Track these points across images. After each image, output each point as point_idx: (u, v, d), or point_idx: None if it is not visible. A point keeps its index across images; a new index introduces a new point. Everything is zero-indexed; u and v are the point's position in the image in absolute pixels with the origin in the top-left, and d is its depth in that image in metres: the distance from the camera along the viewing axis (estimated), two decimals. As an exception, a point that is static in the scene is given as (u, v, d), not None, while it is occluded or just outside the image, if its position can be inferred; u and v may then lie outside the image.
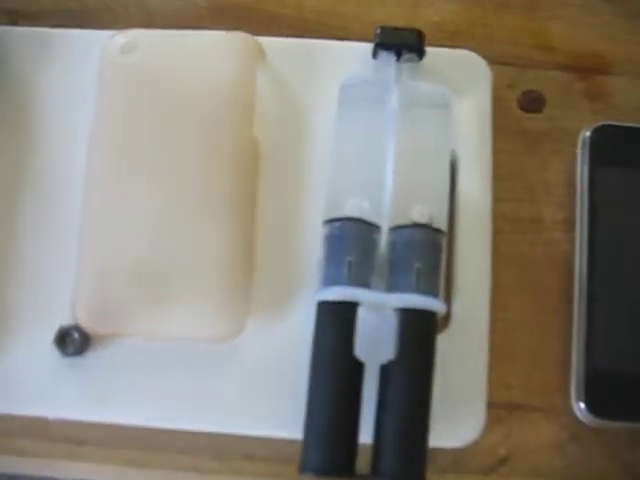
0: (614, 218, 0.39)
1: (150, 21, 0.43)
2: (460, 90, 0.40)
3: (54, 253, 0.39)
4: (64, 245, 0.38)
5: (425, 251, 0.34)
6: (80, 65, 0.41)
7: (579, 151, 0.40)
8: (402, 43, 0.38)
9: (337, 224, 0.35)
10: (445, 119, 0.38)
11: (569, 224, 0.40)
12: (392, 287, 0.34)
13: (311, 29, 0.43)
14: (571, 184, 0.40)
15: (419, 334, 0.34)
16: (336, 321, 0.34)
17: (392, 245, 0.35)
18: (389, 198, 0.36)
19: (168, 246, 0.36)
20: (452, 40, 0.42)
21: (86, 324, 0.37)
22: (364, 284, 0.34)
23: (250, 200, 0.37)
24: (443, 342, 0.35)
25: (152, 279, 0.35)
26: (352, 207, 0.35)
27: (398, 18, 0.43)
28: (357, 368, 0.33)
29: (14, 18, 0.44)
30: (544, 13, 0.44)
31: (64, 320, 0.37)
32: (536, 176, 0.41)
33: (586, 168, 0.40)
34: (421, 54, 0.39)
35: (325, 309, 0.34)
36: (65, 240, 0.38)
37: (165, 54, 0.39)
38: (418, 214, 0.35)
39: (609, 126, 0.40)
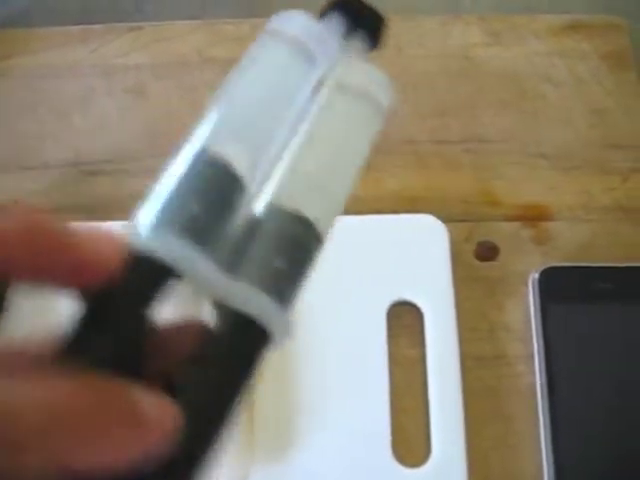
0: (567, 348, 0.45)
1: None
2: (422, 250, 0.46)
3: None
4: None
5: (296, 252, 0.24)
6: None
7: (530, 291, 0.46)
8: (362, 16, 0.29)
9: (202, 160, 0.25)
10: (373, 114, 0.29)
11: (530, 357, 0.45)
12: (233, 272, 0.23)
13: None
14: (528, 321, 0.46)
15: (242, 347, 0.23)
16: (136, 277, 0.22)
17: (256, 223, 0.24)
18: (275, 168, 0.26)
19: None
20: (411, 205, 0.49)
21: None
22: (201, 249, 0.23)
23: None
24: (425, 473, 0.40)
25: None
26: (229, 152, 0.25)
27: (360, 189, 0.50)
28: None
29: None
30: (489, 173, 0.51)
31: None
32: (496, 317, 0.47)
33: (538, 306, 0.46)
34: (376, 39, 0.30)
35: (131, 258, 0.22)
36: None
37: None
38: (307, 208, 0.25)
39: (554, 267, 0.46)
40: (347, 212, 0.48)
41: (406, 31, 0.56)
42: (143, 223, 0.23)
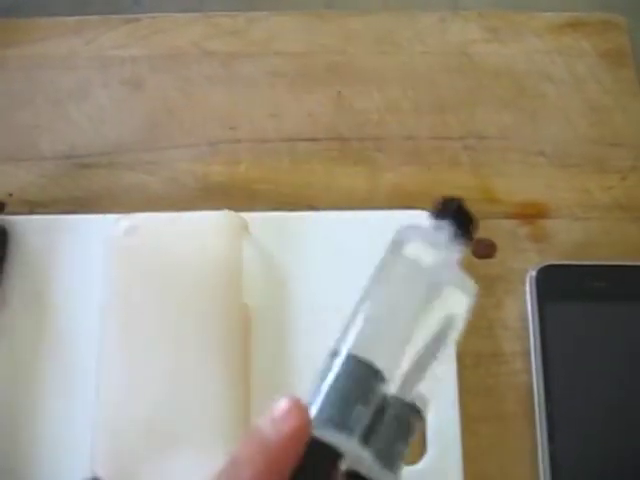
0: (564, 346, 0.44)
1: (148, 204, 0.49)
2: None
3: (72, 413, 0.43)
4: (81, 406, 0.43)
5: (411, 436, 0.31)
6: (89, 246, 0.47)
7: (527, 289, 0.46)
8: (462, 223, 0.35)
9: (358, 362, 0.30)
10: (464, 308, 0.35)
11: (527, 355, 0.45)
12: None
13: (287, 202, 0.50)
14: (525, 318, 0.46)
15: None
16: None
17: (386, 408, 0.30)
18: (404, 366, 0.31)
19: (173, 405, 0.41)
20: (409, 201, 0.49)
21: (104, 477, 0.41)
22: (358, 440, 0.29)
23: (244, 360, 0.42)
24: (420, 472, 0.40)
25: (161, 436, 0.40)
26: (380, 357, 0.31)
27: (358, 184, 0.50)
28: None
29: (31, 207, 0.50)
30: (488, 170, 0.50)
31: (83, 475, 0.42)
32: (493, 314, 0.46)
33: (535, 304, 0.45)
34: (470, 241, 0.35)
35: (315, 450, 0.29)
36: (82, 401, 0.43)
37: (162, 234, 0.45)
38: (421, 401, 0.31)
39: (552, 265, 0.46)
40: (345, 207, 0.48)
41: (405, 27, 0.56)
42: (318, 417, 0.29)
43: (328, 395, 0.30)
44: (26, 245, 0.48)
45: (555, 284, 0.46)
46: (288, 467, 0.27)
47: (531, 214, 0.49)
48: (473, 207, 0.50)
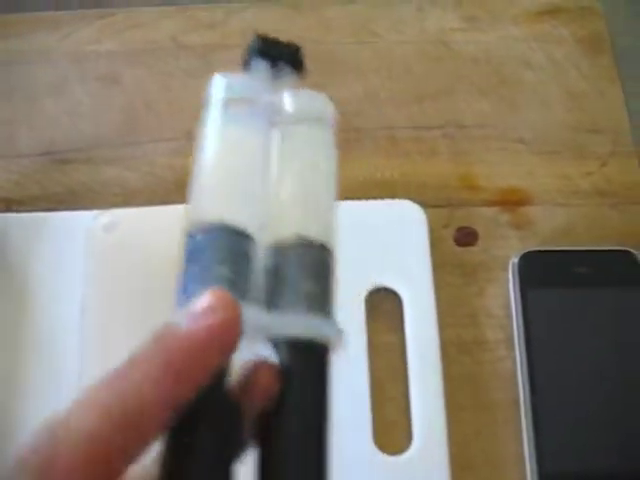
0: (547, 333, 0.45)
1: (128, 199, 0.49)
2: (400, 235, 0.46)
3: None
4: (63, 404, 0.43)
5: (318, 270, 0.27)
6: (68, 242, 0.47)
7: (510, 276, 0.46)
8: (280, 54, 0.32)
9: (203, 232, 0.27)
10: (326, 133, 0.30)
11: (510, 342, 0.45)
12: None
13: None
14: (508, 306, 0.46)
15: (311, 372, 0.26)
16: None
17: (274, 265, 0.27)
18: (267, 210, 0.28)
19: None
20: (390, 191, 0.49)
21: None
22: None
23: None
24: (406, 461, 0.40)
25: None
26: (223, 212, 0.27)
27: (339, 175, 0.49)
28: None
29: (8, 205, 0.50)
30: (468, 158, 0.50)
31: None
32: (476, 302, 0.46)
33: (517, 291, 0.45)
34: (299, 68, 0.32)
35: None
36: (63, 399, 0.43)
37: (142, 229, 0.45)
38: (309, 230, 0.27)
39: (533, 252, 0.46)
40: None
41: (383, 17, 0.55)
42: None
43: (191, 272, 0.27)
44: (4, 244, 0.48)
45: (537, 271, 0.46)
46: (200, 376, 0.23)
47: (512, 201, 0.49)
48: (453, 195, 0.50)
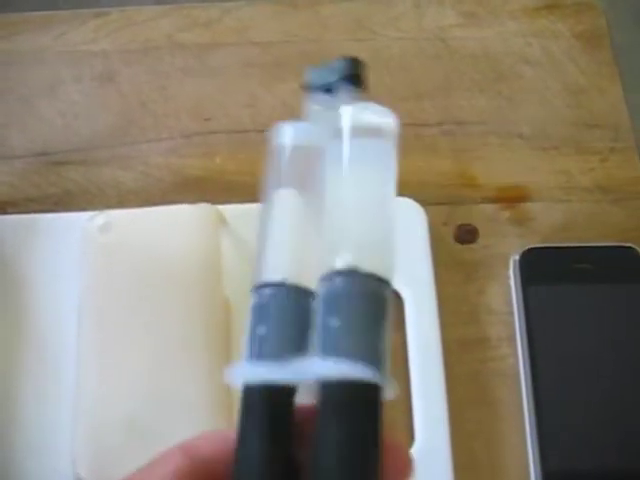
0: (549, 329, 0.44)
1: (123, 200, 0.48)
2: (400, 233, 0.45)
3: (51, 414, 0.43)
4: (60, 406, 0.42)
5: (348, 302, 0.24)
6: (64, 244, 0.46)
7: (511, 273, 0.46)
8: (335, 79, 0.29)
9: (258, 293, 0.26)
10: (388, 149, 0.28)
11: (512, 339, 0.45)
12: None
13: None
14: (509, 303, 0.45)
15: (359, 412, 0.23)
16: (254, 413, 0.24)
17: (324, 299, 0.25)
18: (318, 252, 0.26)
19: (155, 401, 0.40)
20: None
21: (88, 478, 0.40)
22: (279, 359, 0.24)
23: (225, 353, 0.41)
24: (408, 461, 0.40)
25: (143, 433, 0.39)
26: (275, 269, 0.26)
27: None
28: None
29: (3, 207, 0.49)
30: (467, 155, 0.50)
31: (66, 477, 0.41)
32: (477, 300, 0.46)
33: (519, 288, 0.45)
34: (359, 83, 0.30)
35: (246, 398, 0.25)
36: (62, 402, 0.42)
37: (138, 230, 0.44)
38: (342, 260, 0.24)
39: (534, 249, 0.46)
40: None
41: (380, 13, 0.55)
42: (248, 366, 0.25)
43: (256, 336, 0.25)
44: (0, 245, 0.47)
45: (538, 267, 0.45)
46: None
47: (512, 198, 0.49)
48: (453, 192, 0.50)
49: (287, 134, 0.28)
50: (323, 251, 0.25)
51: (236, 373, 0.25)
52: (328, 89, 0.29)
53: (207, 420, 0.40)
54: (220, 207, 0.45)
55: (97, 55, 0.53)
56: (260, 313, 0.26)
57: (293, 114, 0.50)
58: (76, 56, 0.53)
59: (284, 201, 0.27)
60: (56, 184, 0.50)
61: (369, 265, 0.24)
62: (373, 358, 0.24)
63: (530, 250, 0.46)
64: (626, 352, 0.44)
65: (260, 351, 0.25)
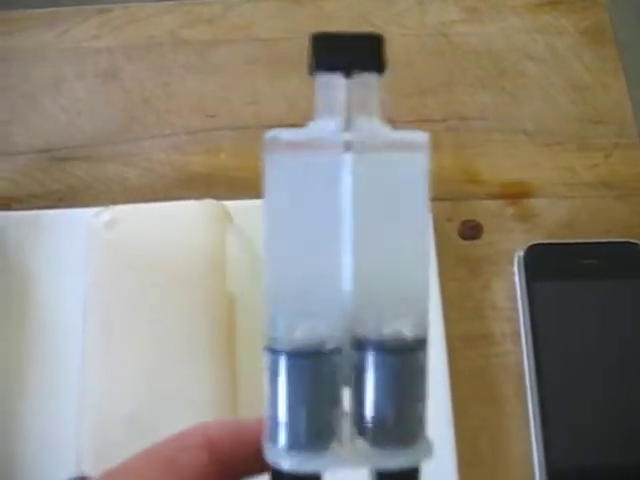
0: (553, 325, 0.44)
1: (127, 196, 0.48)
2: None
3: (56, 410, 0.43)
4: (65, 402, 0.42)
5: (397, 382, 0.23)
6: (68, 240, 0.46)
7: (515, 269, 0.46)
8: (353, 58, 0.23)
9: (283, 357, 0.23)
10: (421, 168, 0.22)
11: (517, 335, 0.45)
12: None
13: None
14: (514, 299, 0.45)
15: None
16: None
17: (359, 371, 0.22)
18: (348, 302, 0.22)
19: (159, 398, 0.40)
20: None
21: (92, 474, 0.40)
22: (325, 444, 0.22)
23: (229, 349, 0.41)
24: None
25: (147, 430, 0.39)
26: (303, 331, 0.23)
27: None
28: None
29: (7, 203, 0.49)
30: (471, 151, 0.50)
31: (69, 472, 0.41)
32: (482, 296, 0.46)
33: (523, 284, 0.45)
34: (381, 67, 0.24)
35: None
36: (66, 397, 0.42)
37: (144, 225, 0.44)
38: (401, 326, 0.22)
39: (539, 245, 0.46)
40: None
41: (382, 10, 0.55)
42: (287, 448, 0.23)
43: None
44: (4, 242, 0.47)
45: (543, 263, 0.45)
46: None
47: (516, 194, 0.49)
48: (457, 188, 0.50)
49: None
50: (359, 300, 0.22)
51: (282, 460, 0.22)
52: (339, 68, 0.23)
53: (210, 417, 0.40)
54: (225, 203, 0.45)
55: (100, 52, 0.53)
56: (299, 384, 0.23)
57: (297, 111, 0.50)
58: (79, 53, 0.53)
59: None
60: (60, 180, 0.50)
61: (413, 329, 0.22)
62: (422, 435, 0.23)
63: (534, 246, 0.46)
64: (630, 347, 0.44)
65: (296, 433, 0.22)
